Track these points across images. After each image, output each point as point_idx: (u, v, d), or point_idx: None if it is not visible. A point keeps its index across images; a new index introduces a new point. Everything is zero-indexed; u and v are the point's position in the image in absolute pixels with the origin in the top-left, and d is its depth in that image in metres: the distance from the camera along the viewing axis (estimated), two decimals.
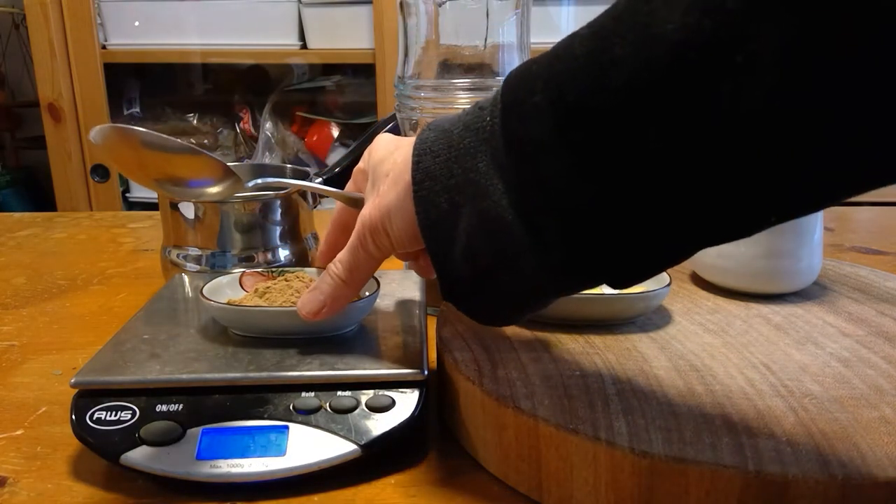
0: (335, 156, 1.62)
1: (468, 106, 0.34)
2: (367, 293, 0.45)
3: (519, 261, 0.31)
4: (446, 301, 0.36)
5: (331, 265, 0.40)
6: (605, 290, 0.49)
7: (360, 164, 0.42)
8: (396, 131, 0.65)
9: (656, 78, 0.25)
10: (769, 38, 0.23)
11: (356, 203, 0.43)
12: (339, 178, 0.67)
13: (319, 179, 0.65)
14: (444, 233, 0.33)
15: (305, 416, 0.38)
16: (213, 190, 0.44)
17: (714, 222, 0.28)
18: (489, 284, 0.33)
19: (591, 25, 0.28)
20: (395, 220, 0.36)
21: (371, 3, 1.45)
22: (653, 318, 0.47)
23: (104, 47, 1.52)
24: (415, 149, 0.34)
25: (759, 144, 0.24)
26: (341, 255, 0.40)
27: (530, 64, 0.30)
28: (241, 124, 1.69)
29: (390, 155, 0.37)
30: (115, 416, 0.38)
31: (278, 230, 0.60)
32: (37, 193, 1.82)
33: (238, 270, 0.50)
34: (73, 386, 0.39)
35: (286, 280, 0.48)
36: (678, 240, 0.29)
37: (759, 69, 0.23)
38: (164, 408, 0.38)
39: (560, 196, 0.29)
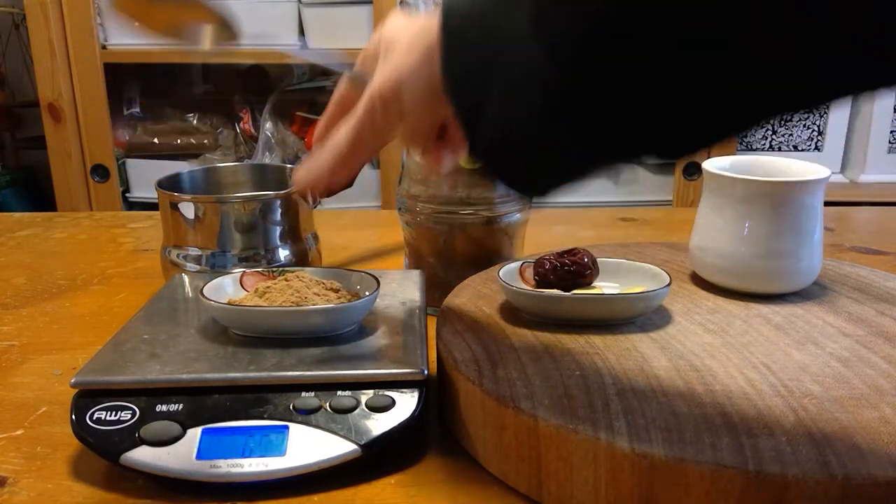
0: None
1: None
2: (367, 293, 0.45)
3: (555, 122, 0.29)
4: (476, 160, 0.34)
5: (331, 139, 0.38)
6: (605, 290, 0.49)
7: (369, 46, 0.39)
8: None
9: None
10: None
11: (361, 83, 0.40)
12: None
13: None
14: (474, 90, 0.31)
15: (305, 416, 0.38)
16: (206, 38, 0.44)
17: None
18: (523, 148, 0.31)
19: None
20: (411, 85, 0.34)
21: (371, 3, 1.45)
22: (653, 318, 0.47)
23: (104, 47, 1.52)
24: (443, 8, 0.32)
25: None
26: (343, 128, 0.37)
27: None
28: (241, 124, 1.69)
29: (404, 29, 0.36)
30: (115, 416, 0.38)
31: (278, 230, 0.60)
32: (37, 193, 1.82)
33: (238, 270, 0.50)
34: (73, 386, 0.39)
35: (286, 280, 0.48)
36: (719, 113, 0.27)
37: None
38: (164, 408, 0.38)
39: (598, 53, 0.27)
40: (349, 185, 0.67)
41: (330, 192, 0.40)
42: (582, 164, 0.32)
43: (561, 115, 0.29)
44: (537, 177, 0.33)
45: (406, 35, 0.35)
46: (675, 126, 0.28)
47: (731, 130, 0.28)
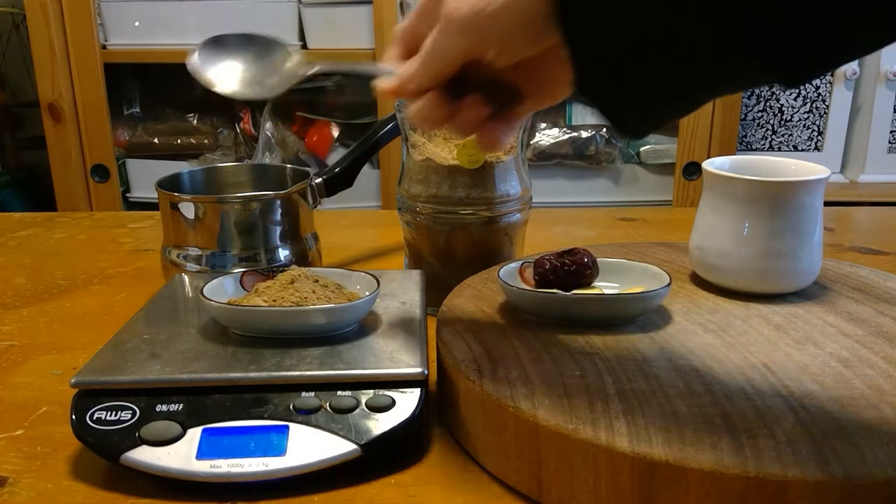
0: (335, 156, 1.61)
1: None
2: (367, 293, 0.45)
3: (677, 36, 0.27)
4: (583, 94, 0.31)
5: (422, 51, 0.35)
6: (605, 290, 0.49)
7: (408, 23, 0.37)
8: (396, 132, 0.65)
9: None
10: None
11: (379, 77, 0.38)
12: (339, 178, 0.67)
13: (319, 180, 0.65)
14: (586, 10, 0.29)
15: (305, 416, 0.38)
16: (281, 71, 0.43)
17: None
18: (643, 69, 0.29)
19: None
20: (503, 13, 0.30)
21: (371, 3, 1.45)
22: (653, 318, 0.47)
23: (104, 47, 1.52)
24: None
25: None
26: (432, 39, 0.34)
27: None
28: (241, 124, 1.69)
29: None
30: (115, 416, 0.38)
31: (278, 230, 0.60)
32: (37, 193, 1.81)
33: (238, 270, 0.50)
34: (74, 386, 0.39)
35: (286, 280, 0.48)
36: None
37: None
38: (164, 408, 0.38)
39: None
40: (349, 184, 0.67)
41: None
42: (729, 79, 0.29)
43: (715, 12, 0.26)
44: (659, 103, 0.31)
45: None
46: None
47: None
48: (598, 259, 0.50)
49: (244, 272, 0.50)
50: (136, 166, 1.62)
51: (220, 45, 0.43)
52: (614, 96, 0.31)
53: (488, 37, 0.32)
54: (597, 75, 0.30)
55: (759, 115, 1.62)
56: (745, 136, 1.64)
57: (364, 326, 0.45)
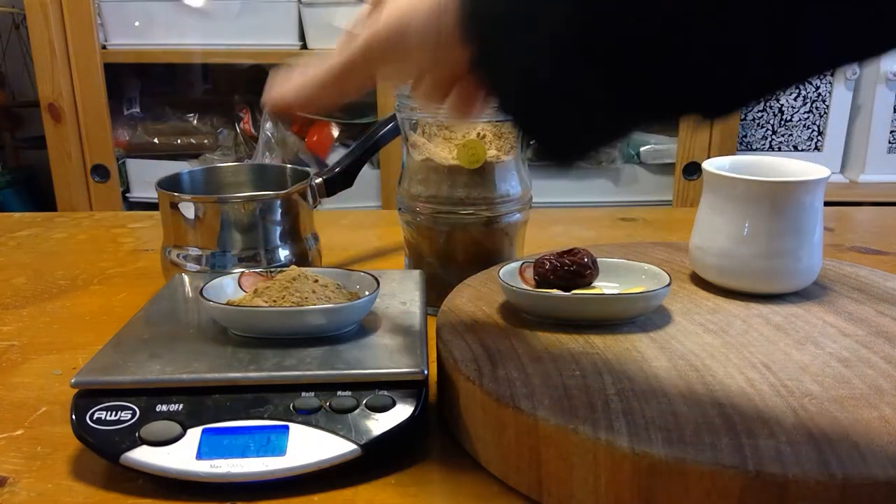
0: (335, 156, 1.61)
1: None
2: (367, 293, 0.45)
3: (587, 67, 0.27)
4: (505, 113, 0.31)
5: (322, 62, 0.35)
6: (605, 290, 0.49)
7: (367, 3, 0.36)
8: (397, 132, 0.65)
9: None
10: None
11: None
12: (339, 178, 0.67)
13: (319, 180, 0.65)
14: (498, 35, 0.29)
15: (305, 416, 0.38)
16: None
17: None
18: (553, 98, 0.29)
19: None
20: (417, 29, 0.31)
21: None
22: (653, 318, 0.47)
23: (104, 47, 1.52)
24: None
25: None
26: (337, 55, 0.34)
27: None
28: (241, 124, 1.69)
29: None
30: (115, 416, 0.38)
31: (278, 230, 0.60)
32: (37, 193, 1.81)
33: (238, 270, 0.50)
34: (74, 386, 0.39)
35: (285, 280, 0.48)
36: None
37: None
38: (164, 408, 0.38)
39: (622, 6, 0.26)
40: (349, 184, 0.67)
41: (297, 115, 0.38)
42: (618, 117, 0.29)
43: (594, 57, 0.27)
44: (569, 132, 0.31)
45: None
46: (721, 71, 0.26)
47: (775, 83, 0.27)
48: (598, 259, 0.50)
49: (244, 272, 0.50)
50: (136, 166, 1.62)
51: None
52: (525, 121, 0.31)
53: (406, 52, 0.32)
54: (506, 101, 0.31)
55: (759, 115, 1.62)
56: (745, 136, 1.64)
57: (364, 326, 0.45)
